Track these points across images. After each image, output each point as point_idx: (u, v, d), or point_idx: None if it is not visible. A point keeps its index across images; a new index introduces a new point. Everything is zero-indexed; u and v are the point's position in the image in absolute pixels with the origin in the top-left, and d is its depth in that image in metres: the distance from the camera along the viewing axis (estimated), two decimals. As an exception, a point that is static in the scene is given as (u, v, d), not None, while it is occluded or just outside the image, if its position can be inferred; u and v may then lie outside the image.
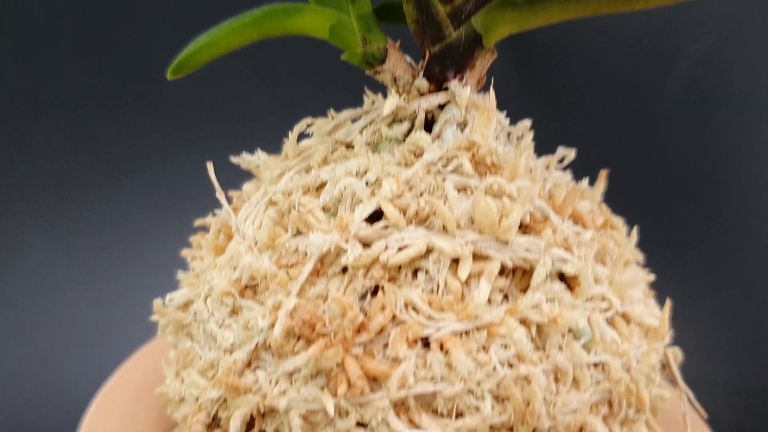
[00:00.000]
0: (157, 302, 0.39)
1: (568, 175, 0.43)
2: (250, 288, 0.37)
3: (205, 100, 0.70)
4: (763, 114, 0.83)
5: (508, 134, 0.41)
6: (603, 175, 0.44)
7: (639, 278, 0.38)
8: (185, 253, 0.43)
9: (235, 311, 0.37)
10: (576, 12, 0.35)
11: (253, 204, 0.40)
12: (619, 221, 0.42)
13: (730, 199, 0.83)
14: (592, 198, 0.43)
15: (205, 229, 0.43)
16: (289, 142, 0.40)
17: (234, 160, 0.42)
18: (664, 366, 0.40)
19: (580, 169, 0.43)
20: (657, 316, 0.39)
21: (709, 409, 0.69)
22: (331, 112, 0.42)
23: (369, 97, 0.42)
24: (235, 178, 0.44)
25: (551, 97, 0.77)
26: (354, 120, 0.41)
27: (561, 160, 0.43)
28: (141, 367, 0.51)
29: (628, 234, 0.42)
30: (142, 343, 0.55)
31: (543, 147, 0.43)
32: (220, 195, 0.36)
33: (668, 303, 0.39)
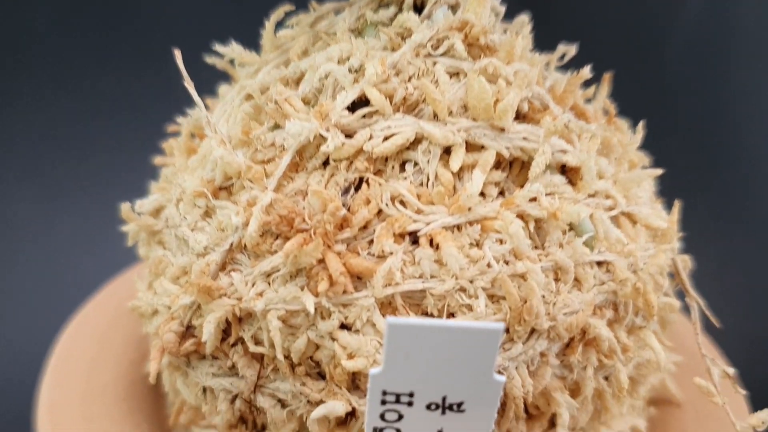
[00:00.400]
0: (125, 207, 0.36)
1: (568, 76, 0.40)
2: (225, 189, 0.34)
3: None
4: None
5: (505, 30, 0.38)
6: (606, 78, 0.41)
7: (645, 176, 0.35)
8: (158, 160, 0.40)
9: (208, 213, 0.34)
10: None
11: (228, 102, 0.37)
12: (623, 123, 0.39)
13: (737, 146, 0.80)
14: (596, 98, 0.39)
15: (178, 135, 0.40)
16: (267, 33, 0.37)
17: (208, 59, 0.39)
18: (673, 275, 0.37)
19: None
20: (665, 219, 0.36)
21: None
22: (313, 3, 0.38)
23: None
24: (211, 84, 0.41)
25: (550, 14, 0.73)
26: (338, 12, 0.38)
27: (561, 58, 0.39)
28: (118, 294, 0.49)
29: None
30: (120, 270, 0.52)
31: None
32: (188, 85, 0.33)
33: (677, 204, 0.36)
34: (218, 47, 0.38)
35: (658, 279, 0.34)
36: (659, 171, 0.36)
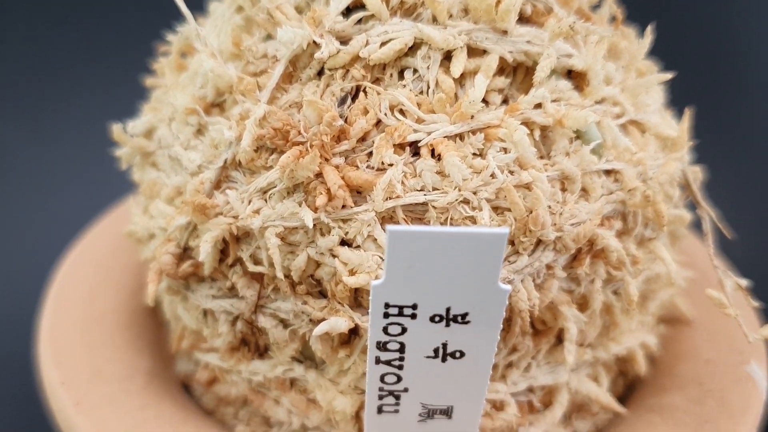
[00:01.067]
0: (117, 128, 0.35)
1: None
2: (217, 106, 0.33)
3: None
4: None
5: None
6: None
7: (654, 82, 0.34)
8: (149, 81, 0.38)
9: (200, 131, 0.33)
10: None
11: (219, 16, 0.35)
12: (630, 31, 0.37)
13: (751, 52, 0.78)
14: (603, 4, 0.38)
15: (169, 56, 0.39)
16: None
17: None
18: (684, 187, 0.36)
19: None
20: (675, 127, 0.34)
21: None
22: None
23: None
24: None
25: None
26: None
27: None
28: (117, 222, 0.48)
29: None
30: (119, 198, 0.51)
31: None
32: (183, 6, 0.31)
33: (688, 112, 0.34)
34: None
35: (668, 189, 0.33)
36: (669, 75, 0.34)
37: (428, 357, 0.27)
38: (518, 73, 0.31)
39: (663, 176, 0.32)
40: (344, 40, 0.30)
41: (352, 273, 0.29)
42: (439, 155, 0.29)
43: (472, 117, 0.29)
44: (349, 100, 0.30)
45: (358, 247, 0.29)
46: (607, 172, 0.31)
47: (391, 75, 0.30)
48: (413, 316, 0.26)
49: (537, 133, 0.30)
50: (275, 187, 0.29)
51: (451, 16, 0.30)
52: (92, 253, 0.45)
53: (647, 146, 0.33)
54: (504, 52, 0.30)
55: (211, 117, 0.32)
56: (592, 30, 0.31)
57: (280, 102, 0.30)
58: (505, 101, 0.31)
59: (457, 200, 0.28)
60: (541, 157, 0.30)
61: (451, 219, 0.29)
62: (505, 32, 0.30)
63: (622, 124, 0.32)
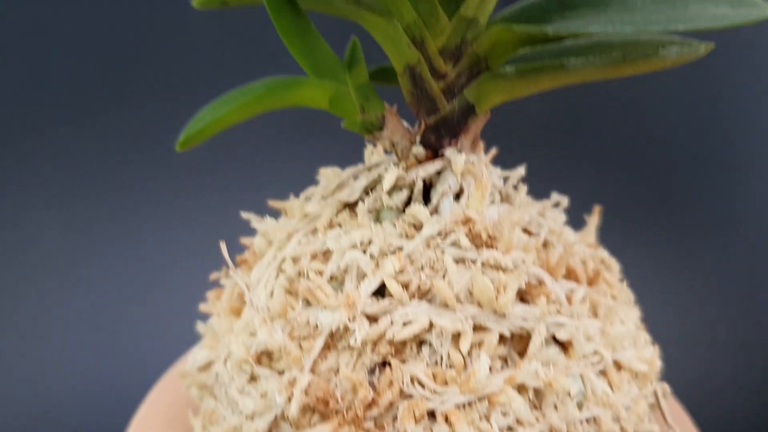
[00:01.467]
0: (181, 369, 0.42)
1: (562, 216, 0.45)
2: (266, 355, 0.40)
3: (219, 152, 0.73)
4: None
5: (504, 179, 0.43)
6: (597, 210, 0.46)
7: (629, 331, 0.41)
8: (203, 308, 0.45)
9: (253, 378, 0.40)
10: (566, 80, 0.37)
11: (264, 266, 0.42)
12: (612, 261, 0.44)
13: (730, 154, 0.84)
14: (587, 236, 0.45)
15: (219, 284, 0.46)
16: (297, 208, 0.42)
17: (244, 215, 0.44)
18: (653, 406, 0.43)
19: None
20: (646, 359, 0.41)
21: (707, 365, 0.72)
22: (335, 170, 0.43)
23: (369, 151, 0.44)
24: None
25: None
26: (356, 177, 0.43)
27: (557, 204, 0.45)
28: (173, 388, 0.55)
29: (622, 272, 0.44)
30: (172, 361, 0.58)
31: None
32: (234, 274, 0.38)
33: (656, 349, 0.41)
34: (253, 220, 0.43)
35: (639, 418, 0.40)
36: (639, 314, 0.42)
37: None
38: (515, 339, 0.38)
39: (634, 416, 0.39)
40: (373, 318, 0.37)
41: None
42: (452, 423, 0.35)
43: (478, 389, 0.36)
44: (377, 370, 0.37)
45: (387, 494, 0.36)
46: (588, 420, 0.38)
47: (411, 348, 0.37)
48: None
49: (531, 392, 0.37)
50: (318, 443, 0.36)
51: (459, 300, 0.37)
52: (155, 417, 0.52)
53: (622, 383, 0.40)
54: (503, 329, 0.37)
55: (261, 368, 0.39)
56: (576, 299, 0.38)
57: (321, 367, 0.37)
58: (504, 361, 0.38)
59: (467, 458, 0.35)
60: (534, 407, 0.37)
61: (464, 472, 0.36)
62: (504, 315, 0.37)
63: (601, 368, 0.39)
